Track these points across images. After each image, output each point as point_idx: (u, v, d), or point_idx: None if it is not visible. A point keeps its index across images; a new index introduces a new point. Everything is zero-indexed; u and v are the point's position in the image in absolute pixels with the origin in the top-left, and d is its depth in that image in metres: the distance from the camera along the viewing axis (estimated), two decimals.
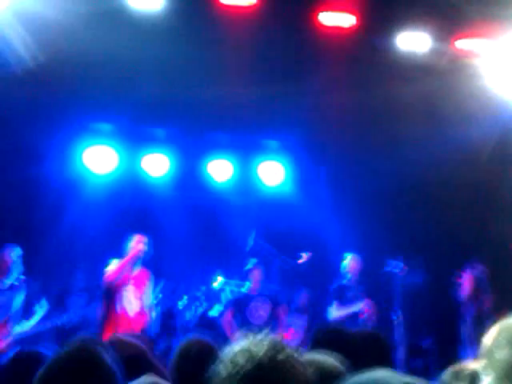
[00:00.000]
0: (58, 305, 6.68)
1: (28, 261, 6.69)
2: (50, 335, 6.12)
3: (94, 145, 7.52)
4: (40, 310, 5.61)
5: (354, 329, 3.12)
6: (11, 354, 5.11)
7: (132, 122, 7.25)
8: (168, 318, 6.48)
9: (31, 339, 5.46)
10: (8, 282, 5.42)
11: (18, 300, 5.41)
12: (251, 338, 1.25)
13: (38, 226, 7.28)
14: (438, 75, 6.41)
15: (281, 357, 1.21)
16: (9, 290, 5.40)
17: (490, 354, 1.34)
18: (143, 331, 5.69)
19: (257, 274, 6.66)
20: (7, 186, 7.05)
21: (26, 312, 5.56)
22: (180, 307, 6.69)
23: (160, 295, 6.51)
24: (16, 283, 5.47)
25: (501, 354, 1.30)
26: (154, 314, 6.25)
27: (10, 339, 5.25)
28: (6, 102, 6.24)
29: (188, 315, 6.79)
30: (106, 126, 7.56)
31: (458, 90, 6.45)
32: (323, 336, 2.58)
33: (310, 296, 7.18)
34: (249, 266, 6.73)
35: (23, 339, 5.41)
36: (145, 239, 5.81)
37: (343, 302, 6.64)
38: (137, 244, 5.73)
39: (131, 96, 6.42)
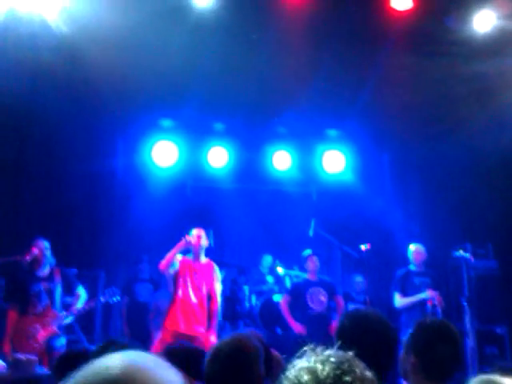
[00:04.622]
0: (126, 293, 6.94)
1: (96, 252, 6.99)
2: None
3: (158, 140, 7.78)
4: (82, 294, 5.81)
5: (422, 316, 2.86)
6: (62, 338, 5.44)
7: (193, 116, 7.40)
8: (233, 304, 6.58)
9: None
10: (44, 271, 5.67)
11: (58, 288, 5.65)
12: (319, 353, 1.19)
13: (107, 219, 7.58)
14: (503, 56, 6.15)
15: (346, 378, 1.13)
16: (48, 279, 5.65)
17: None
18: (209, 317, 5.83)
19: (312, 263, 6.68)
20: (79, 179, 7.38)
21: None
22: (245, 293, 6.80)
23: (221, 286, 6.62)
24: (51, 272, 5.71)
25: None
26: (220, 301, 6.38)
27: (59, 323, 5.53)
28: (81, 101, 6.55)
29: (253, 301, 6.88)
30: (168, 122, 7.79)
31: None
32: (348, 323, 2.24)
33: (369, 284, 7.05)
34: (304, 255, 6.76)
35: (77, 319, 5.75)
36: (201, 232, 5.95)
37: (408, 289, 6.50)
38: (193, 237, 5.86)
39: (192, 91, 6.56)
